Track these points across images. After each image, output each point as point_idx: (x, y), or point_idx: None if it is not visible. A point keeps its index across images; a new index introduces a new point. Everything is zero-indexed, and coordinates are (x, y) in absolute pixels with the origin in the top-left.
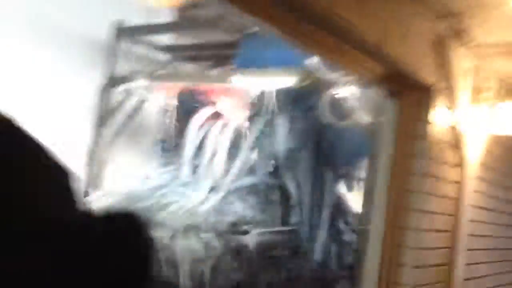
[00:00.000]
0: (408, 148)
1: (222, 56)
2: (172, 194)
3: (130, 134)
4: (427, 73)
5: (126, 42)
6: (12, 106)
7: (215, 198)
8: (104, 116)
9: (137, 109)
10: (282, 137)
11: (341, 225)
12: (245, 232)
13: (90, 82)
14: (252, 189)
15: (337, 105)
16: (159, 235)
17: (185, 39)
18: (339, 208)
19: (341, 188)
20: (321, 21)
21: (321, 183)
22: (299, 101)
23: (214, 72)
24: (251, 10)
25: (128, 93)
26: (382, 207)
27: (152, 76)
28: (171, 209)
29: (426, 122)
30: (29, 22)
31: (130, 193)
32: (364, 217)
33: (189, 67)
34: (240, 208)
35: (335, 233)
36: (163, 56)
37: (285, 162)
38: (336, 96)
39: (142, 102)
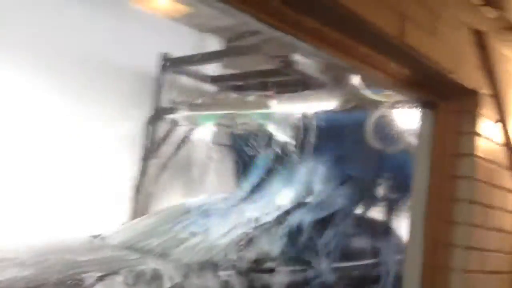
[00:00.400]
0: (449, 169)
1: (265, 84)
2: (193, 227)
3: (177, 166)
4: (467, 75)
5: (171, 74)
6: (63, 138)
7: (236, 232)
8: (150, 148)
9: (183, 140)
10: (321, 168)
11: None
12: (271, 271)
13: (138, 114)
14: (280, 222)
15: (384, 129)
16: (170, 274)
17: (230, 69)
18: (385, 242)
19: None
20: (328, 14)
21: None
22: (343, 125)
23: (253, 98)
24: (261, 11)
25: (174, 124)
26: (418, 242)
27: (193, 106)
28: (187, 244)
29: (471, 136)
30: (79, 58)
31: (147, 227)
32: (404, 255)
33: (231, 95)
34: (265, 243)
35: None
36: (208, 87)
37: (322, 194)
38: (382, 118)
39: (188, 133)
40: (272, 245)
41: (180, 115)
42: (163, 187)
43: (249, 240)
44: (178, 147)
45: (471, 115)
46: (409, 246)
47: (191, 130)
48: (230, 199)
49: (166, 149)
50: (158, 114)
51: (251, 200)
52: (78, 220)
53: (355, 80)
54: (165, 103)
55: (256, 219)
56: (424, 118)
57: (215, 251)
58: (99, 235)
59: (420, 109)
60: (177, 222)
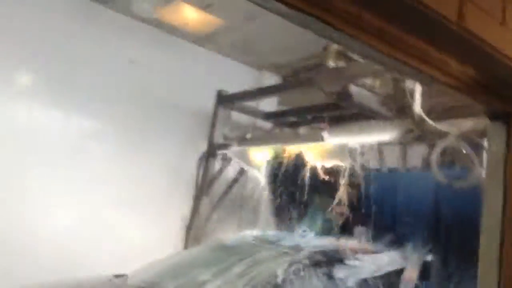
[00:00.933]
0: None
1: (320, 119)
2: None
3: (229, 204)
4: None
5: (226, 110)
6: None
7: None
8: (203, 185)
9: (236, 178)
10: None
11: None
12: None
13: (193, 152)
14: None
15: (449, 161)
16: None
17: (285, 106)
18: None
19: None
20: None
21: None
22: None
23: (305, 130)
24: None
25: (226, 161)
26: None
27: (243, 140)
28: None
29: None
30: (135, 97)
31: (171, 266)
32: None
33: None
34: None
35: None
36: (264, 123)
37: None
38: (447, 150)
39: (241, 170)
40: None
41: (232, 150)
42: (215, 226)
43: None
44: (231, 185)
45: None
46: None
47: (244, 167)
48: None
49: (219, 187)
50: (211, 150)
51: None
52: (128, 260)
53: (417, 108)
54: (218, 139)
55: None
56: (493, 134)
57: None
58: (123, 275)
59: (489, 123)
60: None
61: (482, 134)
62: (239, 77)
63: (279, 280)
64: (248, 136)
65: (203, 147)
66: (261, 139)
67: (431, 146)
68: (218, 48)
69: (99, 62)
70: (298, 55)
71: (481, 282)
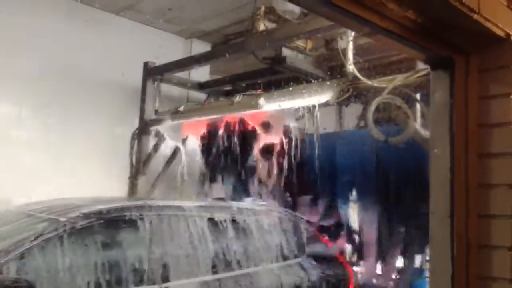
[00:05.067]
0: (477, 146)
1: (255, 86)
2: None
3: (169, 179)
4: (498, 16)
5: (154, 83)
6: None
7: None
8: (139, 164)
9: (174, 154)
10: None
11: None
12: None
13: (125, 128)
14: None
15: (385, 117)
16: None
17: (218, 75)
18: None
19: None
20: None
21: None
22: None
23: (241, 98)
24: None
25: (160, 137)
26: (445, 246)
27: (177, 114)
28: None
29: (506, 99)
30: (60, 73)
31: None
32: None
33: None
34: None
35: None
36: (197, 94)
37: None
38: (383, 105)
39: (176, 146)
40: None
41: (165, 125)
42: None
43: None
44: (168, 161)
45: (508, 71)
46: (433, 251)
47: (178, 141)
48: None
49: (156, 164)
50: (143, 127)
51: None
52: None
53: (351, 67)
54: (150, 115)
55: None
56: (436, 83)
57: None
58: None
59: (432, 72)
60: None
61: (417, 87)
62: (167, 48)
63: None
64: (181, 109)
65: (135, 124)
66: (195, 111)
67: (366, 105)
68: (143, 18)
69: (16, 42)
70: (228, 20)
71: (433, 236)
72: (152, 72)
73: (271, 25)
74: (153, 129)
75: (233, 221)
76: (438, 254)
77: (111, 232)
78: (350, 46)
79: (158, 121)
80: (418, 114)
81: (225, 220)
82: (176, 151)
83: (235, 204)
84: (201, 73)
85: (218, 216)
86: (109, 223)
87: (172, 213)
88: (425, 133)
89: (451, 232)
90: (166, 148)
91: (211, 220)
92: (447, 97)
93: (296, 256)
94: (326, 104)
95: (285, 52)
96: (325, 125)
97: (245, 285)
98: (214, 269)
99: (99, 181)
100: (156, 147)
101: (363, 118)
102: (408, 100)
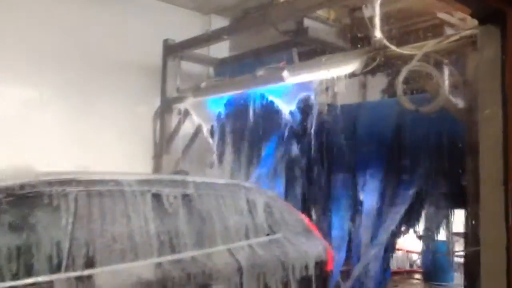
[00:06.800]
0: None
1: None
2: None
3: (191, 158)
4: None
5: (174, 61)
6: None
7: None
8: (162, 143)
9: (197, 131)
10: None
11: None
12: None
13: (147, 108)
14: None
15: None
16: None
17: (237, 51)
18: None
19: None
20: None
21: None
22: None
23: (263, 72)
24: None
25: (185, 113)
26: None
27: (199, 91)
28: None
29: None
30: (80, 54)
31: None
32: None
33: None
34: None
35: None
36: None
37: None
38: (413, 74)
39: (199, 123)
40: None
41: (187, 103)
42: None
43: None
44: (192, 138)
45: None
46: (485, 222)
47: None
48: None
49: (179, 142)
50: (165, 105)
51: None
52: None
53: (379, 35)
54: (172, 93)
55: None
56: (485, 38)
57: None
58: None
59: (479, 27)
60: None
61: (449, 52)
62: (186, 25)
63: None
64: (203, 85)
65: (157, 103)
66: (217, 87)
67: (392, 76)
68: None
69: (36, 24)
70: None
71: (485, 206)
72: (172, 49)
73: None
74: (175, 107)
75: (186, 196)
76: (491, 225)
77: (22, 211)
78: (377, 11)
79: (180, 99)
80: (446, 81)
81: (174, 196)
82: (199, 128)
83: (191, 178)
84: (221, 49)
85: (166, 191)
86: (21, 201)
87: (105, 189)
88: (457, 102)
89: (505, 201)
90: (189, 125)
91: (156, 196)
92: (498, 53)
93: (268, 234)
94: (351, 75)
95: (307, 23)
96: (346, 98)
97: (191, 269)
98: (158, 252)
99: (122, 161)
100: (179, 125)
101: (387, 92)
102: (437, 67)
